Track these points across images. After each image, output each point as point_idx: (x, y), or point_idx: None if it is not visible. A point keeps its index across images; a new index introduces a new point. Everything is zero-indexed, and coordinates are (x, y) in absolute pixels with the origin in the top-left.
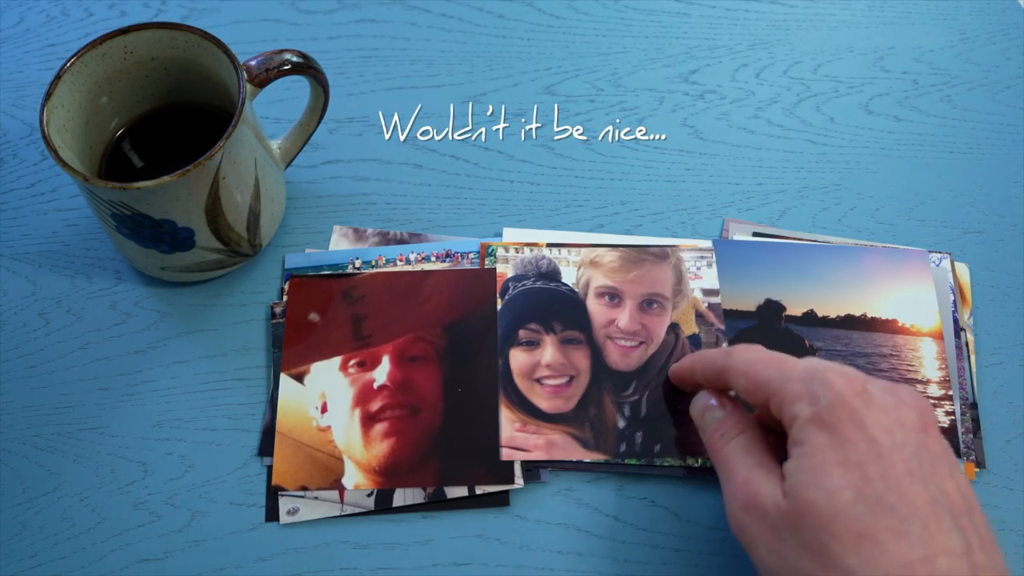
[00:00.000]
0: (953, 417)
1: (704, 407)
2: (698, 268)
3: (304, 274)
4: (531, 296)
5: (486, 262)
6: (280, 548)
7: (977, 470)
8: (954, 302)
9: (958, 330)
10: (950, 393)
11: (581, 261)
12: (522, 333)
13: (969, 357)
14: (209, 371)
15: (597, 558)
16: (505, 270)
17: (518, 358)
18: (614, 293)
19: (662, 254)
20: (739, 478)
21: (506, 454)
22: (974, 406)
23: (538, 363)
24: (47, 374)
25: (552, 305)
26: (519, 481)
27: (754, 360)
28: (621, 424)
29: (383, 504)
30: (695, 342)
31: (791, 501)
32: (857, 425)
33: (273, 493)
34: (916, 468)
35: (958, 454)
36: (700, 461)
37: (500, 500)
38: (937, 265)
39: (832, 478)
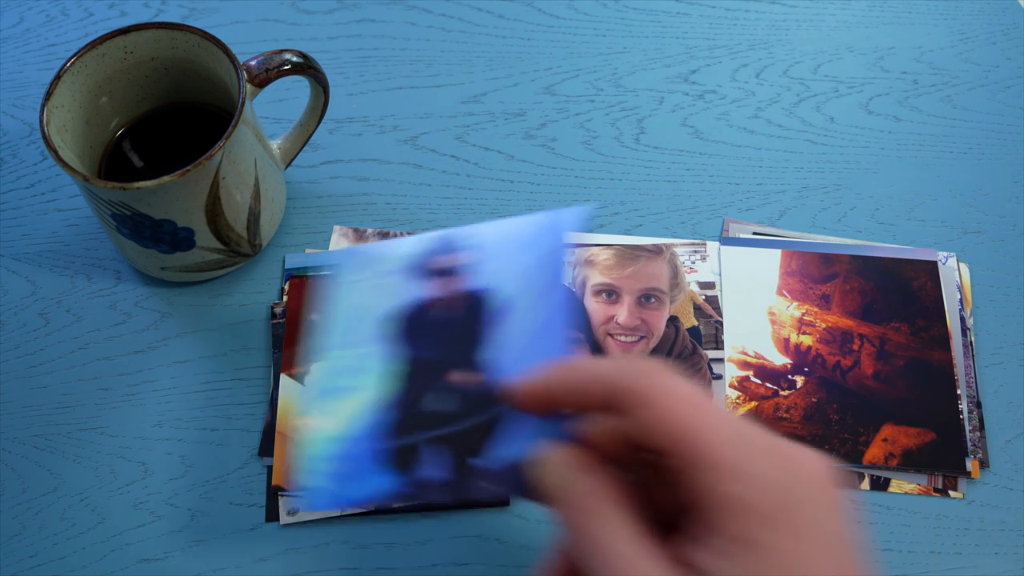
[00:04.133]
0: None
1: (560, 474)
2: (692, 262)
3: (304, 274)
4: None
5: None
6: (280, 548)
7: (982, 469)
8: (960, 300)
9: (964, 328)
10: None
11: (576, 260)
12: None
13: (974, 356)
14: (209, 371)
15: None
16: None
17: None
18: (611, 290)
19: (656, 250)
20: (623, 570)
21: None
22: (979, 404)
23: None
24: (47, 374)
25: None
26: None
27: (679, 398)
28: None
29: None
30: (695, 334)
31: None
32: (818, 529)
33: (273, 493)
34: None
35: (965, 453)
36: None
37: (500, 500)
38: (944, 263)
39: None
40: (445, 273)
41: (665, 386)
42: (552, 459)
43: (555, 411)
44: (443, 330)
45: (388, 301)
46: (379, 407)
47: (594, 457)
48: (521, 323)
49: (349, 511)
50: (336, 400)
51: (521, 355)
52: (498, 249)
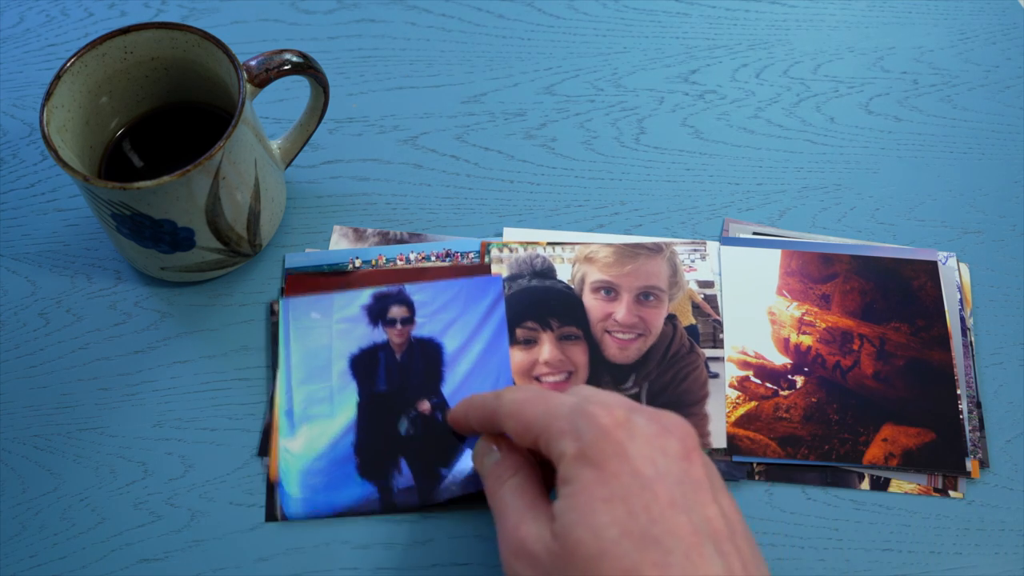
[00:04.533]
0: (962, 417)
1: (481, 451)
2: (692, 261)
3: (303, 272)
4: (527, 295)
5: (486, 260)
6: (280, 548)
7: (982, 469)
8: (960, 300)
9: (964, 328)
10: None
11: (576, 258)
12: (519, 332)
13: (974, 356)
14: (209, 371)
15: None
16: (500, 269)
17: (516, 357)
18: (610, 287)
19: (656, 248)
20: (510, 523)
21: None
22: (979, 405)
23: (536, 361)
24: (47, 374)
25: (548, 302)
26: None
27: (522, 400)
28: None
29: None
30: (692, 332)
31: (560, 543)
32: (621, 458)
33: (272, 488)
34: (679, 497)
35: (965, 453)
36: None
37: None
38: (944, 263)
39: (598, 515)
40: (397, 322)
41: (510, 398)
42: (478, 442)
43: (470, 433)
44: (398, 369)
45: (349, 344)
46: (349, 430)
47: (510, 446)
48: (465, 368)
49: (331, 515)
50: (310, 425)
51: (466, 392)
52: (444, 305)
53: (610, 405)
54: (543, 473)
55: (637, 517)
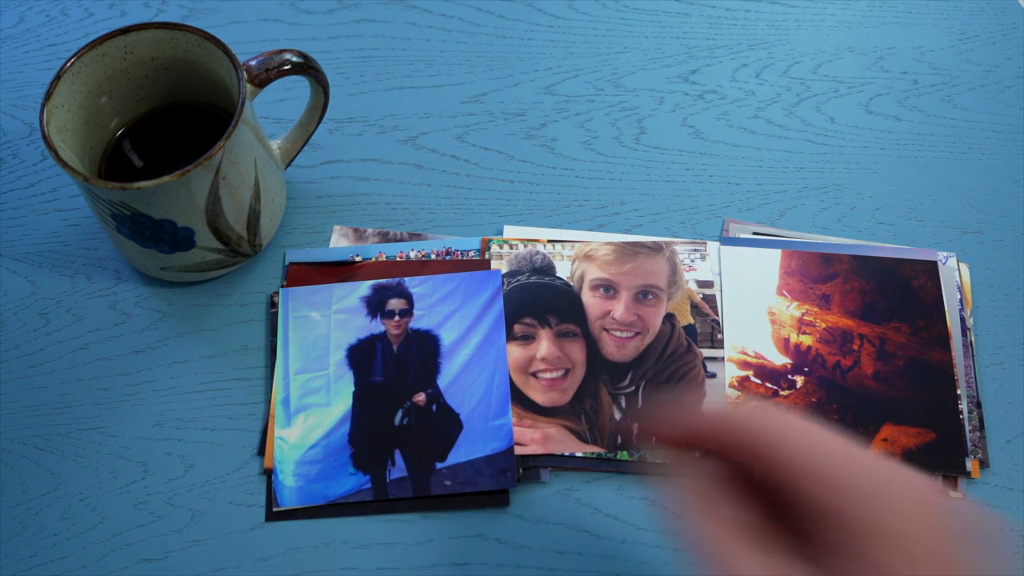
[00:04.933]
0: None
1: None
2: (692, 261)
3: (304, 262)
4: (526, 291)
5: (486, 256)
6: (280, 548)
7: (982, 469)
8: (960, 300)
9: (964, 329)
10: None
11: (575, 255)
12: (517, 327)
13: (974, 356)
14: (209, 371)
15: (597, 558)
16: (500, 266)
17: (513, 352)
18: (609, 285)
19: (656, 247)
20: None
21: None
22: (979, 404)
23: (533, 357)
24: (47, 374)
25: (547, 299)
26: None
27: (801, 432)
28: (617, 416)
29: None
30: (690, 332)
31: None
32: (922, 554)
33: (270, 479)
34: None
35: (965, 453)
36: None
37: (500, 500)
38: (944, 263)
39: None
40: (396, 314)
41: (787, 428)
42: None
43: (691, 450)
44: (395, 360)
45: (347, 334)
46: (345, 420)
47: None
48: (462, 360)
49: (324, 503)
50: (306, 414)
51: (462, 384)
52: (443, 298)
53: (913, 477)
54: None
55: None
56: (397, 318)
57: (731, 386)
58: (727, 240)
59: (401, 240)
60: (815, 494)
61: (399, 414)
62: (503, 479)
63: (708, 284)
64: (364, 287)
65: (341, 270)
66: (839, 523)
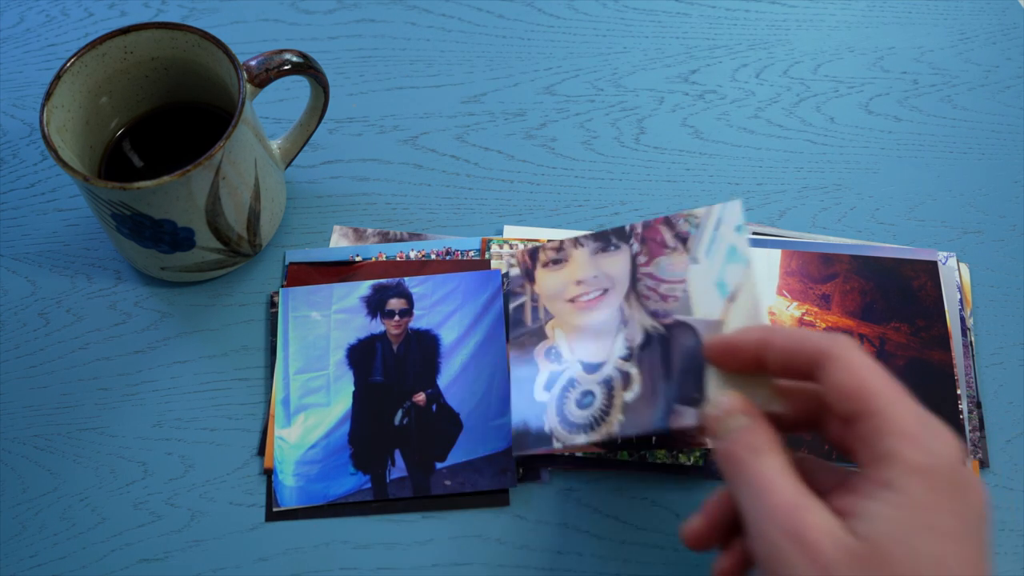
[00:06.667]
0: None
1: (724, 409)
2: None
3: (304, 262)
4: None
5: (486, 256)
6: (280, 548)
7: (982, 469)
8: (960, 300)
9: (964, 328)
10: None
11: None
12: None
13: (974, 356)
14: (209, 371)
15: (597, 558)
16: (500, 265)
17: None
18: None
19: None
20: (784, 501)
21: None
22: (979, 404)
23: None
24: (47, 374)
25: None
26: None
27: (866, 364)
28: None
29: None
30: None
31: (866, 546)
32: (956, 496)
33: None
34: (981, 560)
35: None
36: (693, 459)
37: (500, 500)
38: (944, 263)
39: (922, 541)
40: (395, 314)
41: (855, 354)
42: (722, 398)
43: (755, 369)
44: (395, 360)
45: (347, 334)
46: (345, 420)
47: (766, 420)
48: (462, 360)
49: (324, 503)
50: (306, 414)
51: (462, 384)
52: (443, 297)
53: (955, 435)
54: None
55: (951, 563)
56: (397, 318)
57: None
58: None
59: (401, 240)
60: None
61: (399, 414)
62: (503, 479)
63: None
64: (364, 287)
65: (341, 270)
66: None
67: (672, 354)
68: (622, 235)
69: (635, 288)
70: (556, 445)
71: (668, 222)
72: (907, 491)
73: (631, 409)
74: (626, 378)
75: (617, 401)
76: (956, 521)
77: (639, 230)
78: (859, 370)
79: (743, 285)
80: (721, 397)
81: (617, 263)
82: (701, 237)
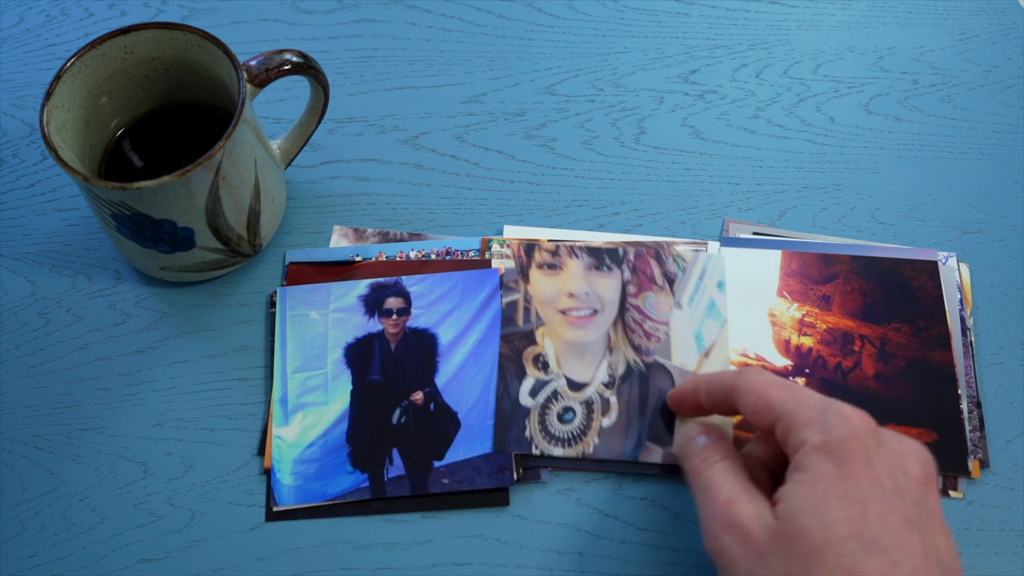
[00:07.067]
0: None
1: (689, 434)
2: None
3: (304, 262)
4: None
5: (486, 256)
6: (280, 548)
7: (982, 469)
8: (960, 300)
9: (964, 328)
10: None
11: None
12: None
13: (974, 356)
14: (209, 371)
15: (597, 558)
16: (500, 264)
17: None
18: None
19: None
20: (721, 498)
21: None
22: (979, 404)
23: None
24: (47, 374)
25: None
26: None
27: (767, 382)
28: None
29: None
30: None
31: (784, 524)
32: (865, 463)
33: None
34: (914, 517)
35: (965, 453)
36: None
37: (500, 500)
38: (944, 263)
39: (831, 509)
40: (393, 313)
41: (757, 377)
42: (686, 426)
43: (691, 412)
44: (392, 359)
45: (345, 333)
46: (343, 419)
47: (719, 434)
48: (459, 359)
49: (323, 503)
50: (304, 413)
51: (460, 383)
52: (440, 296)
53: (860, 412)
54: (751, 466)
55: (870, 523)
56: (395, 317)
57: None
58: (727, 240)
59: (401, 240)
60: None
61: (397, 413)
62: (501, 477)
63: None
64: (362, 286)
65: (341, 270)
66: None
67: (649, 393)
68: (615, 257)
69: (623, 317)
70: (535, 451)
71: (658, 257)
72: (812, 468)
73: (606, 435)
74: (606, 404)
75: (595, 424)
76: (871, 486)
77: (631, 257)
78: (762, 388)
79: (717, 343)
80: (684, 426)
81: (608, 286)
82: (686, 284)
